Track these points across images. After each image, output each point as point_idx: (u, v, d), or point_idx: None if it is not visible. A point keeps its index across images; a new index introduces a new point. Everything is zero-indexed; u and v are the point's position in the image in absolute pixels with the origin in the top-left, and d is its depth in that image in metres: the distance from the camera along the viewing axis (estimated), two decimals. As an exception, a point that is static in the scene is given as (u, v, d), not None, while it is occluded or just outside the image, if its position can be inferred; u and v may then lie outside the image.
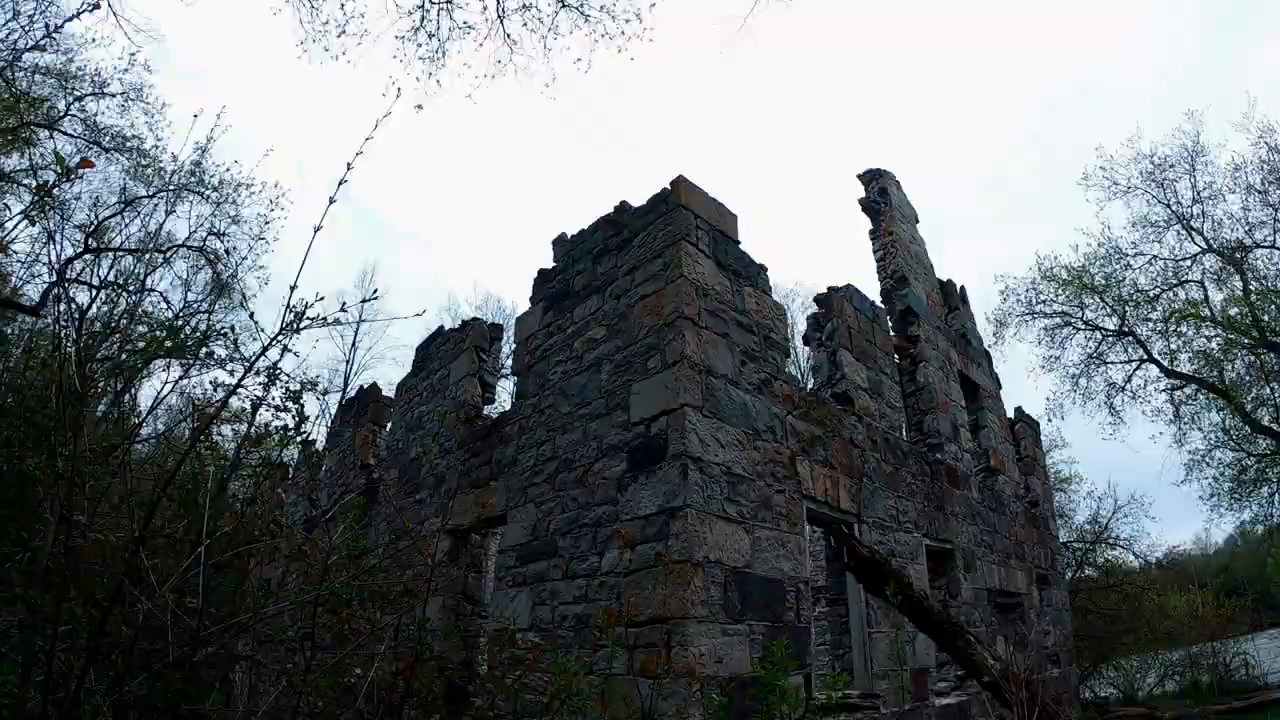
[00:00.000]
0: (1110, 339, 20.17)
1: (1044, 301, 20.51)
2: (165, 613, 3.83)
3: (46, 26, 10.54)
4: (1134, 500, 21.81)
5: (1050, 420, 20.45)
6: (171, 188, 13.99)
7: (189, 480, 5.27)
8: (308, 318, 3.11)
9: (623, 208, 7.78)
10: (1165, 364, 19.47)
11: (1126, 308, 19.70)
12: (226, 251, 13.25)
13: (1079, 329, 20.43)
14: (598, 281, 7.61)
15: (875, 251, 11.73)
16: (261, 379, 4.40)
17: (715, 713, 5.87)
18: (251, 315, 3.56)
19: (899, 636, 8.29)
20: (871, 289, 10.76)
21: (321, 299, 3.24)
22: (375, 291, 3.46)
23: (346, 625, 5.99)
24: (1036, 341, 20.64)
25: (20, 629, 4.47)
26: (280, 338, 3.16)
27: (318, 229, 3.60)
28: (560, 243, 8.44)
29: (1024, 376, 44.64)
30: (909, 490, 9.56)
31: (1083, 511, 22.90)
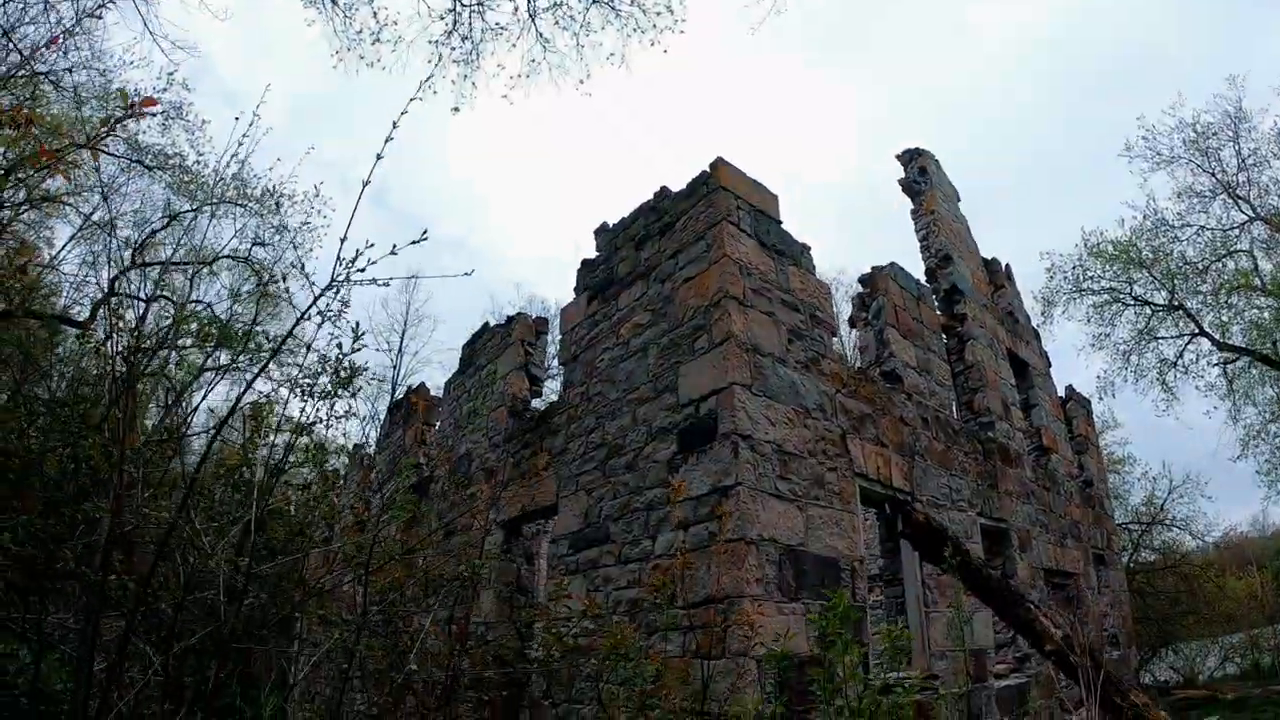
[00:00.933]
0: (1160, 313, 19.61)
1: (1091, 278, 20.00)
2: (217, 574, 3.93)
3: (77, 12, 10.74)
4: (1189, 480, 21.21)
5: (1101, 399, 19.95)
6: (214, 201, 14.34)
7: (242, 464, 5.41)
8: (359, 269, 3.17)
9: (663, 193, 7.80)
10: (1217, 337, 18.88)
11: (1175, 281, 19.13)
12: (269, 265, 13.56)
13: (1128, 305, 19.89)
14: (641, 267, 7.64)
15: (917, 231, 11.57)
16: (311, 367, 4.51)
17: (772, 692, 5.85)
18: (302, 268, 3.59)
19: (958, 616, 8.18)
20: (915, 270, 10.61)
21: (372, 245, 3.29)
22: (425, 233, 3.49)
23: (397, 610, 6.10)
24: (1085, 319, 20.14)
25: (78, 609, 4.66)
26: (335, 285, 3.22)
27: (366, 183, 3.66)
28: (602, 232, 8.49)
29: (1074, 355, 43.62)
30: (961, 469, 9.42)
31: (1137, 493, 22.34)
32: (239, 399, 4.03)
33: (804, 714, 5.80)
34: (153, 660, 4.18)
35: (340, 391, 4.71)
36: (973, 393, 10.73)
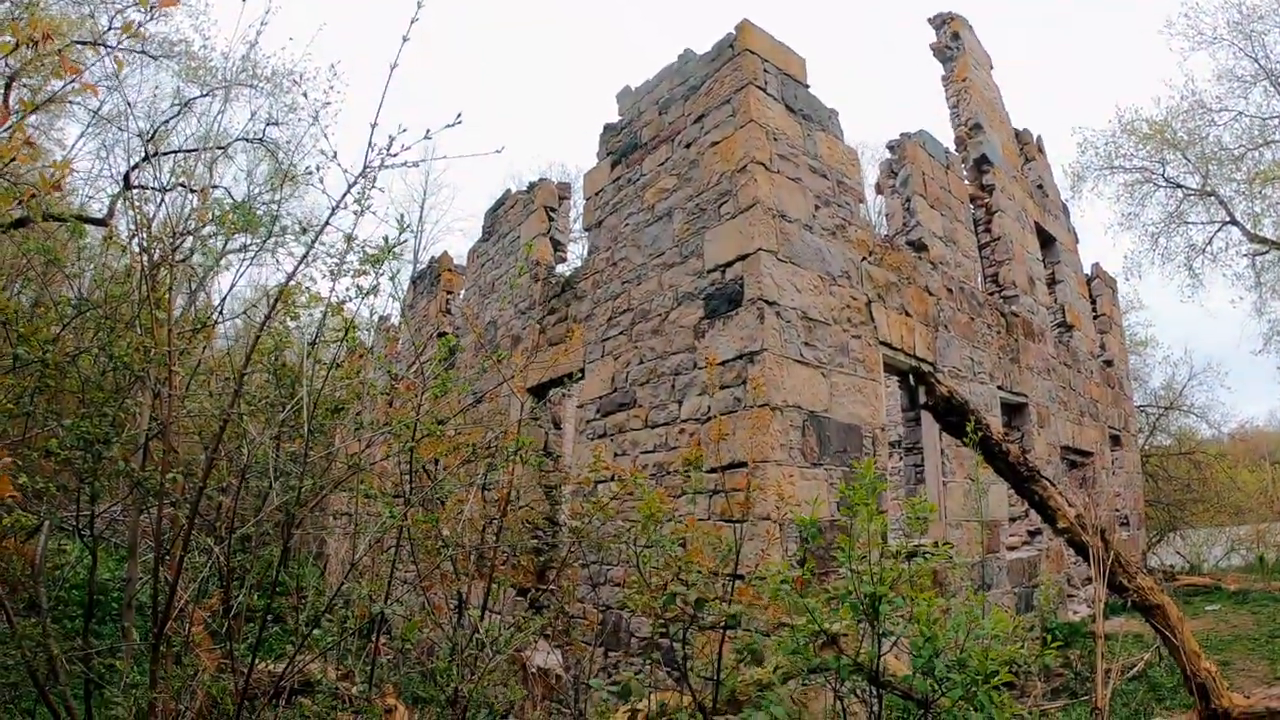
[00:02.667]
0: (1191, 198, 19.00)
1: (1124, 156, 19.30)
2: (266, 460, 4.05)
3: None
4: (1210, 368, 21.09)
5: (1128, 279, 19.68)
6: (224, 85, 13.90)
7: (278, 347, 5.47)
8: (391, 154, 3.09)
9: (687, 55, 7.47)
10: (1248, 227, 18.34)
11: (1210, 166, 18.42)
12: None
13: (1159, 186, 19.26)
14: (665, 132, 7.41)
15: (948, 99, 11.09)
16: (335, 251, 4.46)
17: (795, 555, 6.05)
18: (335, 155, 3.48)
19: (977, 489, 8.35)
20: (944, 139, 10.24)
21: (405, 130, 3.20)
22: (459, 117, 3.38)
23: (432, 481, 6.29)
24: (1115, 198, 19.60)
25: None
26: (369, 171, 3.15)
27: (394, 66, 3.52)
28: (624, 95, 8.20)
29: (1102, 235, 42.64)
30: (984, 341, 9.38)
31: (1157, 376, 22.29)
32: (289, 279, 3.99)
33: (824, 577, 6.03)
34: (211, 547, 4.35)
35: (372, 269, 4.70)
36: (998, 265, 10.57)
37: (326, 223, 4.00)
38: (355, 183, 3.61)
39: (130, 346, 5.09)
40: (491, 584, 5.95)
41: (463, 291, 11.25)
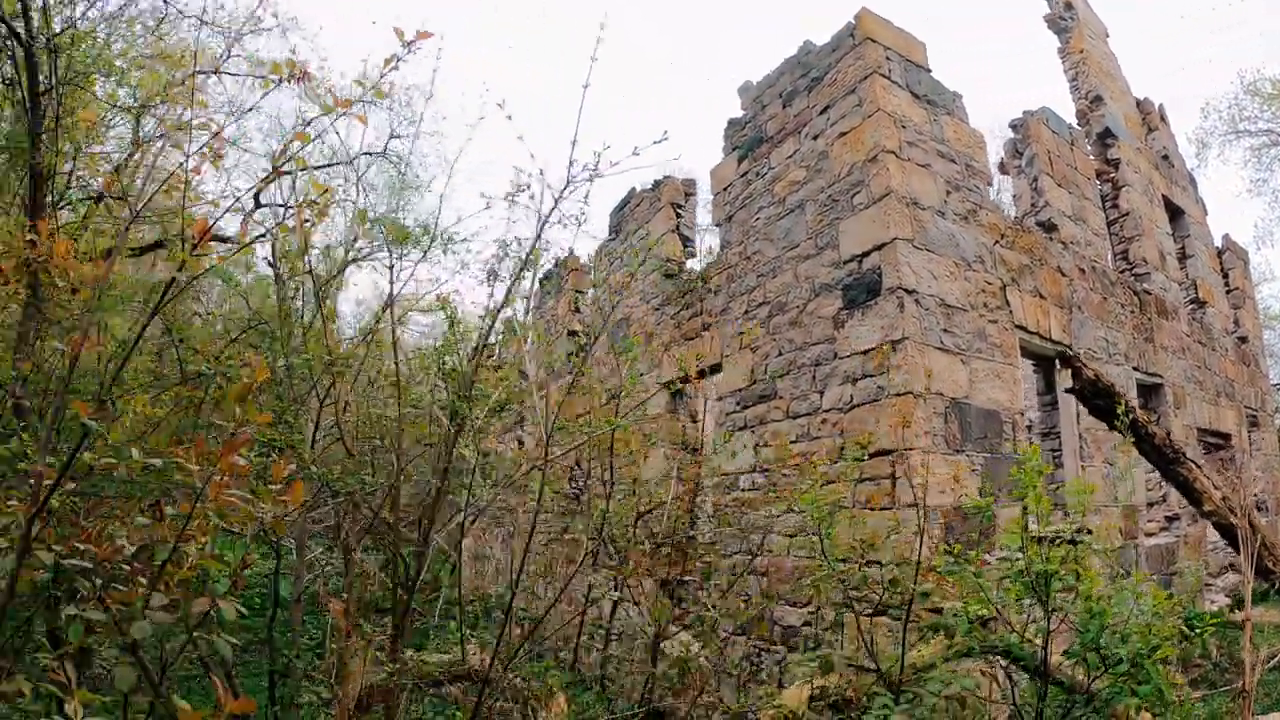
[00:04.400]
0: (1324, 158, 17.78)
1: (1249, 119, 18.21)
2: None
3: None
4: (1352, 341, 19.63)
5: (1259, 249, 18.55)
6: (345, 104, 14.57)
7: (441, 353, 5.81)
8: (611, 161, 3.33)
9: (806, 47, 7.52)
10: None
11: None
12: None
13: (1289, 147, 18.10)
14: (790, 124, 7.48)
15: (1066, 71, 10.73)
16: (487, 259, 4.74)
17: (940, 542, 6.04)
18: (541, 172, 3.75)
19: (1127, 470, 8.11)
20: (1065, 114, 9.92)
21: (608, 147, 3.43)
22: (665, 134, 3.60)
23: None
24: (1242, 163, 18.64)
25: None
26: (582, 178, 3.37)
27: (586, 86, 3.76)
28: (746, 90, 8.30)
29: (1230, 203, 39.95)
30: (1117, 321, 9.07)
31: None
32: (510, 294, 4.32)
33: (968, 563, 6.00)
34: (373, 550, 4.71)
35: (525, 272, 5.00)
36: (1128, 242, 10.16)
37: (538, 236, 4.25)
38: (561, 196, 3.88)
39: (306, 358, 5.54)
40: (634, 577, 6.18)
41: (591, 290, 11.55)
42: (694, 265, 9.29)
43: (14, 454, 3.64)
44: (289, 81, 2.57)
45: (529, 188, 4.00)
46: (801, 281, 7.03)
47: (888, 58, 7.01)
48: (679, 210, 9.45)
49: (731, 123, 8.43)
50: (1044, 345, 7.71)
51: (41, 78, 6.65)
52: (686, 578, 7.12)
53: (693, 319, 8.42)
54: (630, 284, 8.61)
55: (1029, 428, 11.23)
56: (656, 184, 9.78)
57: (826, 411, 6.53)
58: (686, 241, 9.53)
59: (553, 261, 11.59)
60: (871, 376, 6.25)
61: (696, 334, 8.23)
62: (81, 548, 2.46)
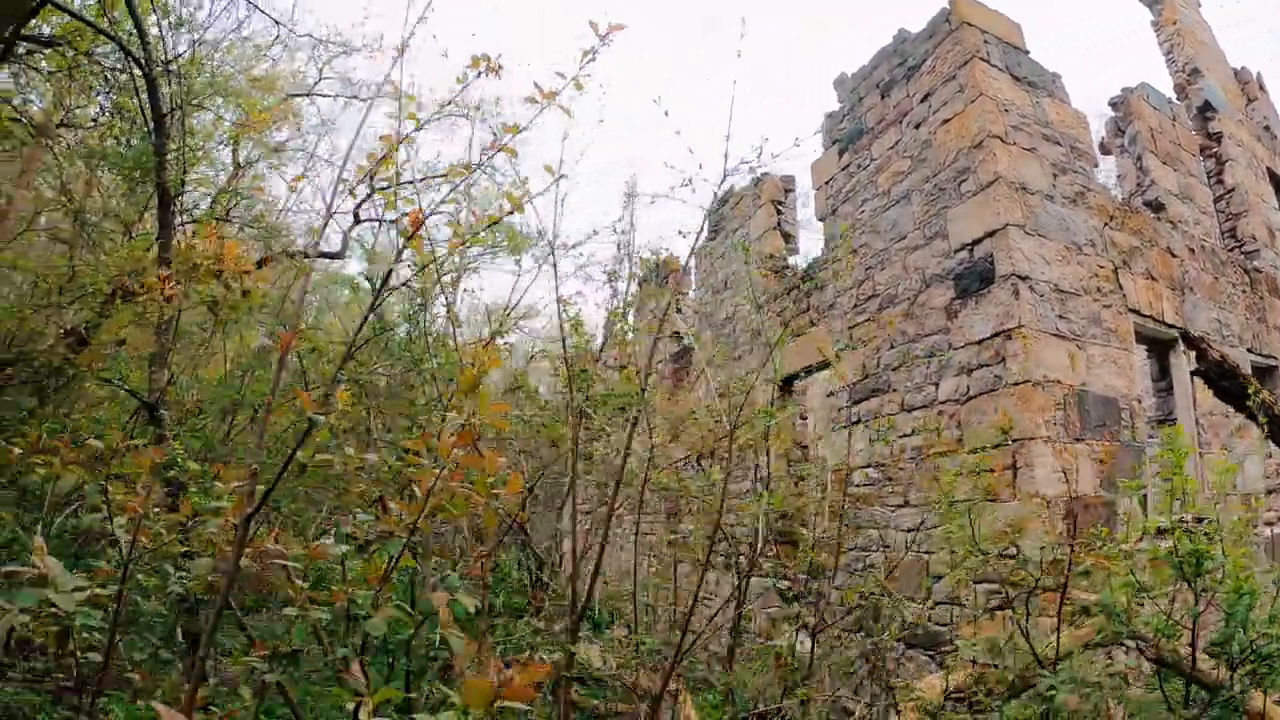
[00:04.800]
0: None
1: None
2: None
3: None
4: None
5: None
6: (435, 117, 14.91)
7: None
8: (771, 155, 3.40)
9: (901, 35, 7.45)
10: None
11: None
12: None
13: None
14: (890, 114, 7.42)
15: (1160, 44, 10.36)
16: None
17: (1060, 533, 5.92)
18: (689, 181, 3.84)
19: (1258, 452, 7.82)
20: (1162, 88, 9.59)
21: (767, 140, 3.48)
22: (797, 141, 3.65)
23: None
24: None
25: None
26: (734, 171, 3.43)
27: (735, 81, 3.82)
28: (841, 82, 8.26)
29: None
30: (1229, 301, 8.72)
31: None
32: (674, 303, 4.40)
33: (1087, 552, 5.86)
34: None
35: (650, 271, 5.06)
36: (1235, 218, 9.76)
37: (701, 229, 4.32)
38: (723, 191, 3.94)
39: (446, 361, 5.74)
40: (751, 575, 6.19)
41: (692, 290, 11.62)
42: (795, 261, 9.26)
43: (165, 464, 3.86)
44: (487, 75, 2.66)
45: (689, 182, 4.03)
46: (911, 273, 6.96)
47: (985, 41, 6.90)
48: (780, 207, 9.42)
49: (829, 115, 8.39)
50: (1158, 329, 7.48)
51: (162, 100, 6.96)
52: (798, 575, 7.12)
53: (800, 315, 8.38)
54: (731, 283, 8.63)
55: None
56: (756, 181, 9.76)
57: (943, 403, 6.45)
58: (788, 238, 9.50)
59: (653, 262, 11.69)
60: (988, 366, 6.16)
61: (805, 329, 8.20)
62: (275, 548, 2.58)
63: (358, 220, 13.11)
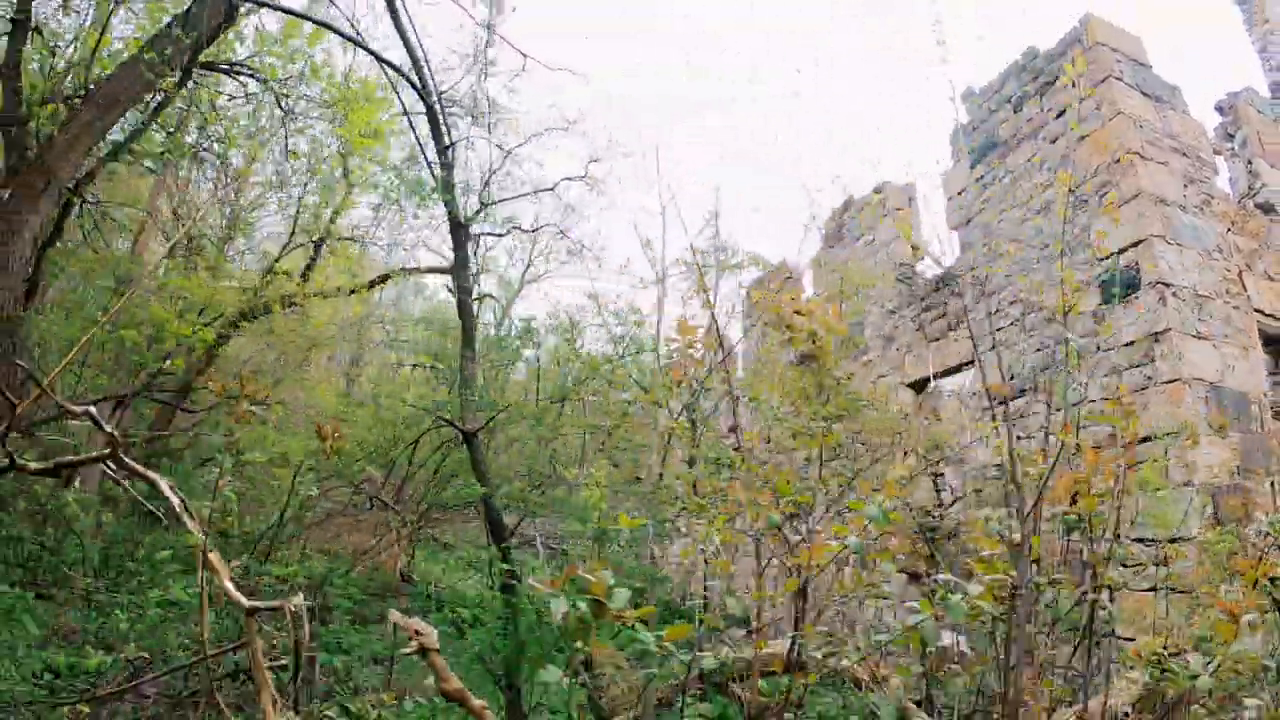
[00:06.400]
0: None
1: None
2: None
3: None
4: None
5: None
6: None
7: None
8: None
9: (1031, 53, 7.89)
10: None
11: None
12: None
13: None
14: (1024, 129, 7.88)
15: (1254, 43, 10.67)
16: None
17: (1207, 519, 6.44)
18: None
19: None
20: (1259, 88, 9.93)
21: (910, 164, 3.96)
22: (938, 161, 4.11)
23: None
24: None
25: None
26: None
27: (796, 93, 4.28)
28: (969, 96, 8.71)
29: None
30: (1334, 296, 9.13)
31: None
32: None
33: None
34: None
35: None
36: (1334, 215, 10.12)
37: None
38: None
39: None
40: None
41: (805, 298, 12.06)
42: (921, 268, 9.73)
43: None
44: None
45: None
46: (1054, 279, 7.42)
47: (1118, 60, 7.34)
48: (904, 216, 9.88)
49: (960, 129, 8.85)
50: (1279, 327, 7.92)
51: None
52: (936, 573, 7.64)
53: (935, 320, 8.88)
54: (857, 294, 9.12)
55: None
56: (877, 190, 10.21)
57: (1092, 402, 6.95)
58: (914, 247, 9.92)
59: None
60: (1139, 366, 6.66)
61: (942, 334, 8.70)
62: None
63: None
